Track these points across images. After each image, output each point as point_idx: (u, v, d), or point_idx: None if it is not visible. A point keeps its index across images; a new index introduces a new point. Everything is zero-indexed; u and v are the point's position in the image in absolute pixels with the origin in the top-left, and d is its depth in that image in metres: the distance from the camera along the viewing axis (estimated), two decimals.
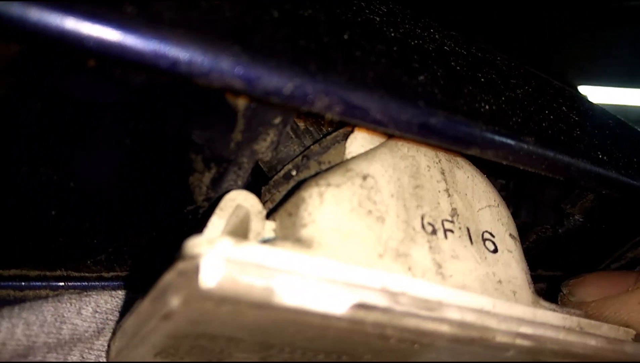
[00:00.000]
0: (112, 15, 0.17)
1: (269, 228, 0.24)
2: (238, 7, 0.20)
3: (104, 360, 0.28)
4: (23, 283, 0.28)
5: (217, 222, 0.22)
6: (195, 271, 0.17)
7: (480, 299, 0.23)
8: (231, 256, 0.18)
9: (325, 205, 0.23)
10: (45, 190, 0.24)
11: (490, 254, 0.27)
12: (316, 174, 0.26)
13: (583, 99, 0.40)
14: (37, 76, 0.20)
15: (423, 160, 0.27)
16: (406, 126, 0.22)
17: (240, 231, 0.23)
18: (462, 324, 0.22)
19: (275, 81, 0.19)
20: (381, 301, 0.20)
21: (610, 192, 0.31)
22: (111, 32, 0.17)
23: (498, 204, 0.29)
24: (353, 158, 0.26)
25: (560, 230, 0.37)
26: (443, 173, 0.27)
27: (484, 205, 0.28)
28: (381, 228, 0.24)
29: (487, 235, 0.27)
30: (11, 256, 0.27)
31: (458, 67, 0.28)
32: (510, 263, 0.27)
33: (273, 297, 0.18)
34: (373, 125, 0.22)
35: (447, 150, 0.28)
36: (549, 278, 0.43)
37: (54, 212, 0.25)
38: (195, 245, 0.18)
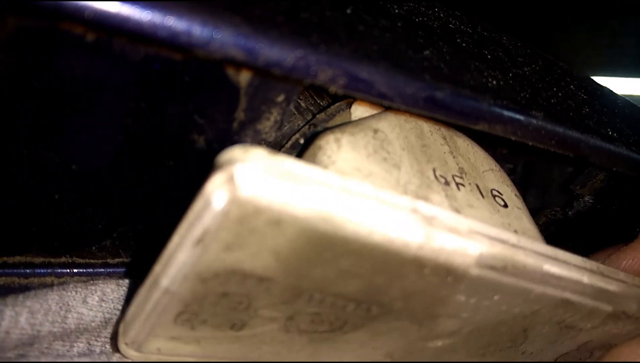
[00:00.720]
0: None
1: None
2: None
3: (111, 350, 0.27)
4: (27, 270, 0.28)
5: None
6: (234, 177, 0.16)
7: (506, 233, 0.22)
8: (268, 164, 0.17)
9: (344, 149, 0.23)
10: (47, 173, 0.24)
11: (502, 208, 0.27)
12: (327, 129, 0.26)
13: (590, 79, 0.40)
14: (35, 54, 0.19)
15: (425, 126, 0.28)
16: (412, 99, 0.22)
17: None
18: (494, 250, 0.21)
19: (277, 52, 0.19)
20: (417, 220, 0.20)
21: (621, 169, 0.30)
22: (109, 3, 0.17)
23: (499, 170, 0.30)
24: (360, 118, 0.26)
25: (570, 212, 0.37)
26: (445, 138, 0.28)
27: (487, 168, 0.29)
28: (398, 173, 0.24)
29: (495, 192, 0.28)
30: (15, 243, 0.27)
31: (464, 44, 0.28)
32: (522, 217, 0.28)
33: (313, 205, 0.17)
34: (378, 98, 0.22)
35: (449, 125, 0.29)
36: None
37: (56, 196, 0.25)
38: (231, 153, 0.17)
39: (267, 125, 0.25)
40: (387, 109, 0.27)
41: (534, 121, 0.25)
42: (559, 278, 0.23)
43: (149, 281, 0.20)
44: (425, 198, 0.24)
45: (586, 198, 0.36)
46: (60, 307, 0.27)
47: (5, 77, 0.20)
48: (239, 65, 0.20)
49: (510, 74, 0.28)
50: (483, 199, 0.26)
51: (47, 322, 0.26)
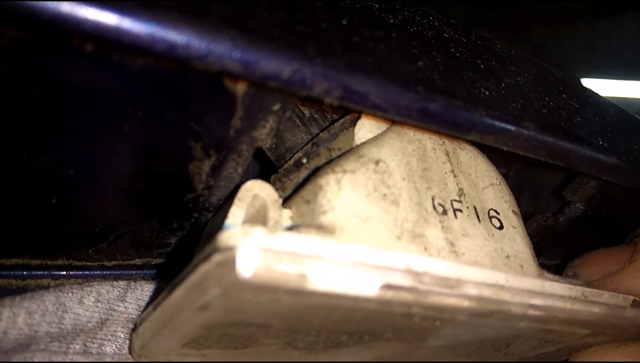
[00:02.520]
0: None
1: (286, 216, 0.24)
2: None
3: (107, 350, 0.28)
4: (25, 272, 0.28)
5: (237, 212, 0.23)
6: (233, 261, 0.18)
7: (494, 274, 0.24)
8: (265, 245, 0.19)
9: (344, 192, 0.24)
10: (45, 178, 0.24)
11: (497, 230, 0.28)
12: (329, 162, 0.26)
13: (583, 87, 0.40)
14: (33, 62, 0.20)
15: (428, 143, 0.28)
16: (406, 111, 0.22)
17: (258, 220, 0.24)
18: (480, 299, 0.23)
19: (274, 64, 0.19)
20: (407, 281, 0.21)
21: (611, 178, 0.31)
22: (108, 15, 0.17)
23: (500, 183, 0.30)
24: (363, 143, 0.27)
25: (561, 219, 0.37)
26: (447, 155, 0.28)
27: (487, 184, 0.29)
28: (396, 211, 0.25)
29: (492, 213, 0.29)
30: (12, 246, 0.27)
31: (457, 54, 0.28)
32: (515, 238, 0.29)
33: (307, 283, 0.19)
34: (372, 110, 0.22)
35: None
36: (550, 267, 0.43)
37: (54, 200, 0.25)
38: (231, 236, 0.19)
39: (263, 133, 0.25)
40: (391, 125, 0.27)
41: (525, 132, 0.26)
42: (543, 314, 0.25)
43: (161, 310, 0.23)
44: (421, 236, 0.25)
45: (577, 205, 0.36)
46: (57, 308, 0.27)
47: (4, 85, 0.20)
48: (235, 77, 0.20)
49: (503, 84, 0.28)
50: (479, 224, 0.27)
51: (44, 322, 0.26)
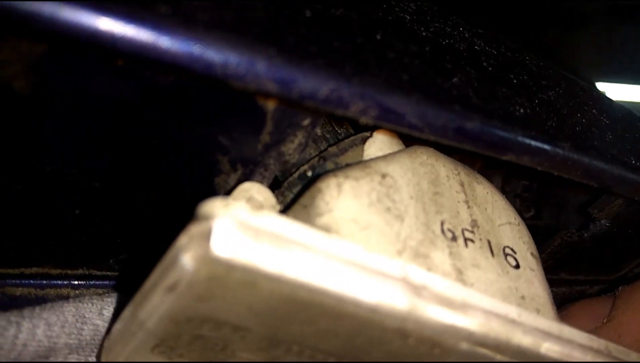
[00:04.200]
0: (146, 15, 0.16)
1: None
2: (271, 6, 0.20)
3: None
4: (44, 282, 0.28)
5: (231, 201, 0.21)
6: (208, 233, 0.16)
7: (505, 307, 0.21)
8: (246, 221, 0.17)
9: (343, 196, 0.22)
10: (69, 190, 0.23)
11: (512, 269, 0.25)
12: (333, 170, 0.25)
13: (610, 100, 0.39)
14: (65, 75, 0.19)
15: (442, 170, 0.26)
16: (442, 130, 0.22)
17: None
18: (486, 327, 0.20)
19: (311, 84, 0.19)
20: (402, 291, 0.19)
21: None
22: (145, 34, 0.16)
23: (519, 223, 0.28)
24: (371, 159, 0.25)
25: (585, 235, 0.37)
26: (462, 185, 0.27)
27: (504, 221, 0.27)
28: (400, 226, 0.23)
29: (508, 250, 0.26)
30: (33, 254, 0.27)
31: (490, 68, 0.28)
32: (533, 281, 0.26)
33: (287, 269, 0.17)
34: (408, 129, 0.21)
35: (462, 159, 0.28)
36: (572, 282, 0.42)
37: (77, 211, 0.25)
38: (210, 206, 0.17)
39: (291, 147, 0.25)
40: (402, 150, 0.26)
41: (561, 152, 0.25)
42: (559, 360, 0.22)
43: (129, 309, 0.20)
44: (426, 256, 0.23)
45: (603, 221, 0.35)
46: (77, 319, 0.27)
47: (34, 98, 0.20)
48: (272, 96, 0.20)
49: (536, 101, 0.27)
50: (492, 259, 0.25)
51: (64, 334, 0.26)
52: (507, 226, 0.27)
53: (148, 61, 0.17)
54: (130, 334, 0.20)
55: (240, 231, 0.16)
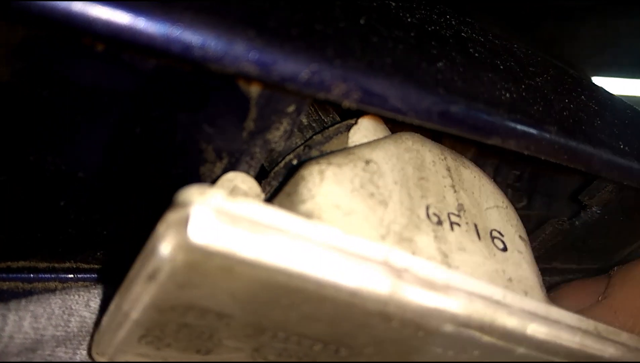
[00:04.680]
0: None
1: None
2: None
3: None
4: (32, 275, 0.28)
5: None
6: (185, 220, 0.16)
7: (490, 288, 0.21)
8: (223, 207, 0.17)
9: (326, 182, 0.22)
10: (54, 181, 0.23)
11: (500, 252, 0.25)
12: (317, 157, 0.25)
13: (600, 88, 0.39)
14: (44, 61, 0.19)
15: (428, 155, 0.26)
16: (426, 114, 0.22)
17: None
18: (469, 309, 0.20)
19: (292, 66, 0.19)
20: (383, 274, 0.19)
21: (632, 183, 0.30)
22: (121, 15, 0.16)
23: (506, 206, 0.28)
24: (355, 145, 0.25)
25: (577, 222, 0.36)
26: (449, 170, 0.26)
27: (491, 205, 0.27)
28: (384, 211, 0.23)
29: (495, 233, 0.26)
30: (20, 248, 0.27)
31: (477, 54, 0.27)
32: (521, 263, 0.26)
33: (265, 254, 0.17)
34: (392, 113, 0.21)
35: (452, 148, 0.28)
36: (565, 271, 0.42)
37: (62, 203, 0.24)
38: (188, 193, 0.17)
39: (276, 135, 0.24)
40: (387, 137, 0.26)
41: (547, 136, 0.25)
42: (546, 341, 0.22)
43: (115, 300, 0.20)
44: (410, 240, 0.23)
45: (594, 209, 0.35)
46: (64, 311, 0.26)
47: (13, 85, 0.19)
48: (252, 79, 0.20)
49: (523, 86, 0.27)
50: (479, 242, 0.25)
51: (51, 326, 0.26)
52: (495, 210, 0.27)
53: (126, 44, 0.17)
54: (116, 326, 0.21)
55: (217, 217, 0.16)
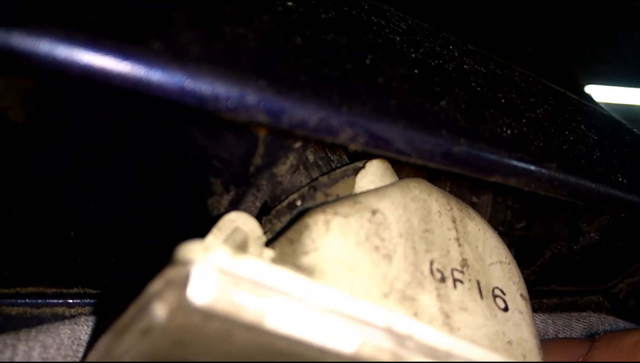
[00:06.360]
0: (139, 51, 0.17)
1: (267, 255, 0.22)
2: (262, 35, 0.20)
3: None
4: (40, 301, 0.28)
5: (212, 242, 0.20)
6: (185, 280, 0.15)
7: (492, 356, 0.20)
8: (226, 268, 0.16)
9: (331, 234, 0.22)
10: (65, 212, 0.24)
11: (501, 312, 0.25)
12: (322, 204, 0.25)
13: (600, 112, 0.40)
14: (63, 107, 0.19)
15: (434, 205, 0.26)
16: (429, 155, 0.22)
17: None
18: None
19: (301, 114, 0.19)
20: (386, 342, 0.18)
21: (630, 215, 0.30)
22: (138, 69, 0.17)
23: (509, 262, 0.27)
24: (362, 192, 0.25)
25: (575, 247, 0.37)
26: (454, 221, 0.26)
27: (495, 260, 0.27)
28: (388, 267, 0.22)
29: (497, 292, 0.26)
30: (29, 274, 0.27)
31: (478, 88, 0.28)
32: (521, 324, 0.25)
33: (267, 320, 0.16)
34: (396, 155, 0.22)
35: (458, 198, 0.27)
36: (562, 293, 0.43)
37: (72, 233, 0.25)
38: (189, 250, 0.16)
39: (283, 169, 0.25)
40: (395, 184, 0.26)
41: (547, 173, 0.25)
42: None
43: (106, 340, 0.19)
44: (412, 299, 0.22)
45: (592, 235, 0.36)
46: (72, 341, 0.27)
47: (29, 124, 0.20)
48: (263, 126, 0.20)
49: (524, 120, 0.28)
50: (481, 301, 0.24)
51: (60, 356, 0.26)
52: (498, 265, 0.27)
53: (140, 95, 0.17)
54: None
55: (219, 278, 0.16)
